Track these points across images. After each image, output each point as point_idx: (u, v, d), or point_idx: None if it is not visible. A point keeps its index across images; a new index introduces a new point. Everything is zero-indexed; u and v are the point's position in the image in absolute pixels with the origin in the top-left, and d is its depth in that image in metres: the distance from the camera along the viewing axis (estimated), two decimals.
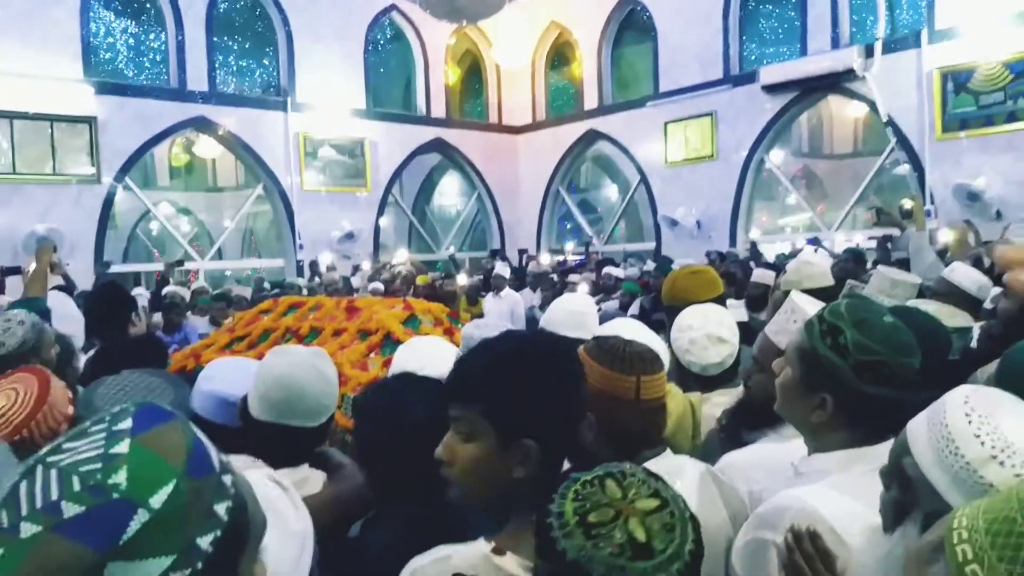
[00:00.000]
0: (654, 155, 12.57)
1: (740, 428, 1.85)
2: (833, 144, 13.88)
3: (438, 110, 13.86)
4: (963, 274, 3.19)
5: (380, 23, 13.16)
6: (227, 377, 1.92)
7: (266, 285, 8.82)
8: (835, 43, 10.47)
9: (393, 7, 12.65)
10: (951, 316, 2.48)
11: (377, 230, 12.90)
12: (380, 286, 7.95)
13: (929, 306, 2.59)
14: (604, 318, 6.30)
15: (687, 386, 2.12)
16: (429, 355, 2.16)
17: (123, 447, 0.66)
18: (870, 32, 10.28)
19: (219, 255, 13.04)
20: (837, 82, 10.31)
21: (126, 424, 0.68)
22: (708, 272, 2.69)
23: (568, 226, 15.06)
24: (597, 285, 7.89)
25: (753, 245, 9.81)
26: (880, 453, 1.27)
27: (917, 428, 1.10)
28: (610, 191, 15.37)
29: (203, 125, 11.25)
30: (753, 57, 11.74)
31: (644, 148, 12.73)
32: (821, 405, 1.38)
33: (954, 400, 1.07)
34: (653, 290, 6.74)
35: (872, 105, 10.08)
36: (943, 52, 9.34)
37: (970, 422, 1.03)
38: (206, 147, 13.30)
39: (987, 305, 2.96)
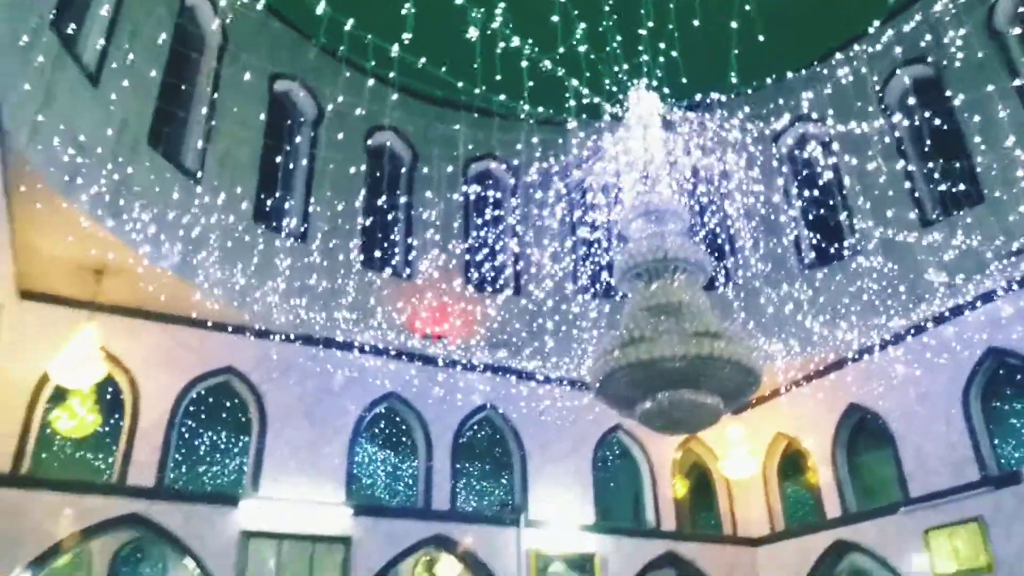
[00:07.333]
0: (919, 567, 11.08)
1: None
2: None
3: (668, 523, 13.59)
4: None
5: (607, 441, 13.85)
6: None
7: None
8: None
9: (619, 427, 13.39)
10: None
11: None
12: None
13: None
14: None
15: None
16: None
17: None
18: None
19: None
20: None
21: None
22: None
23: None
24: None
25: None
26: None
27: None
28: None
29: (443, 542, 11.82)
30: (1016, 455, 10.71)
31: (905, 560, 11.31)
32: None
33: None
34: None
35: None
36: None
37: None
38: (445, 565, 13.73)
39: None
